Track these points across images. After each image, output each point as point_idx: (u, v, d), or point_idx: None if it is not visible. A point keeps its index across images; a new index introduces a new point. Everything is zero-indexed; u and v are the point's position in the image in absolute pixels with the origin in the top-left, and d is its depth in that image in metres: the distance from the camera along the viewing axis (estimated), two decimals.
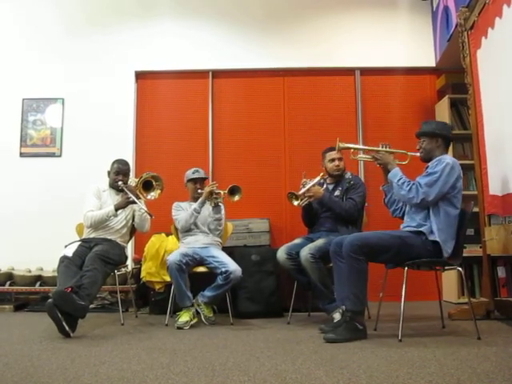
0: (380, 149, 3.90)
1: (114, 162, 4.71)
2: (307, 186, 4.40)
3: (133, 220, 4.72)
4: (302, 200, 4.43)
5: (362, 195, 4.52)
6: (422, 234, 3.58)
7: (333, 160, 4.57)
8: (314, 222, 4.62)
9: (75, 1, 6.35)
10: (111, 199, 4.61)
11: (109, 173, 4.72)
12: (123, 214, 4.62)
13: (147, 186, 4.45)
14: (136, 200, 4.40)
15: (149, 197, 4.46)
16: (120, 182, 4.53)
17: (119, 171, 4.63)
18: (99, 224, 4.51)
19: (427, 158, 3.80)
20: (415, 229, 3.62)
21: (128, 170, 4.71)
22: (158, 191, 4.46)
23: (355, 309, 3.53)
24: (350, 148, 4.12)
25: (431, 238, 3.54)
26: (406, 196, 3.63)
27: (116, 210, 4.45)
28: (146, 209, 4.48)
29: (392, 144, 5.96)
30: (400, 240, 3.55)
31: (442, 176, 3.55)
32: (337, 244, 3.84)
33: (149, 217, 4.56)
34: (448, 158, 3.65)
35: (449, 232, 3.57)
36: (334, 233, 4.33)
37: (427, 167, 3.75)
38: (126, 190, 4.45)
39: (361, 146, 4.05)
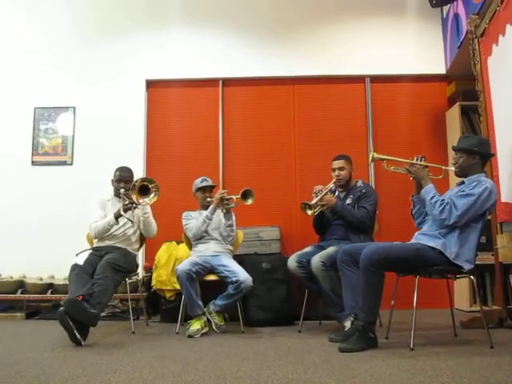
0: (415, 162, 3.82)
1: (116, 170, 4.70)
2: (320, 196, 4.38)
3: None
4: (315, 209, 4.42)
5: (374, 203, 4.50)
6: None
7: (333, 170, 4.58)
8: (326, 229, 4.61)
9: (87, 10, 6.40)
10: (115, 208, 4.59)
11: (112, 181, 4.73)
12: (129, 224, 4.63)
13: (144, 191, 4.40)
14: (123, 206, 4.37)
15: (147, 200, 4.39)
16: (121, 190, 4.51)
17: (121, 179, 4.62)
18: (103, 233, 4.52)
19: (462, 174, 3.74)
20: (429, 240, 3.58)
21: (130, 176, 4.66)
22: (156, 196, 4.39)
23: (369, 320, 3.52)
24: (384, 159, 4.06)
25: (447, 254, 3.49)
26: (437, 216, 3.54)
27: (116, 218, 4.43)
28: (129, 217, 4.40)
29: (402, 150, 5.98)
30: (416, 252, 3.52)
31: (478, 200, 3.47)
32: (344, 252, 3.85)
33: (153, 221, 4.64)
34: (488, 182, 3.55)
35: (471, 252, 3.54)
36: (346, 241, 4.33)
37: (462, 182, 3.71)
38: (123, 197, 4.44)
39: (396, 158, 3.98)
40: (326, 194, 4.41)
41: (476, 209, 3.48)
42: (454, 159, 3.78)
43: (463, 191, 3.58)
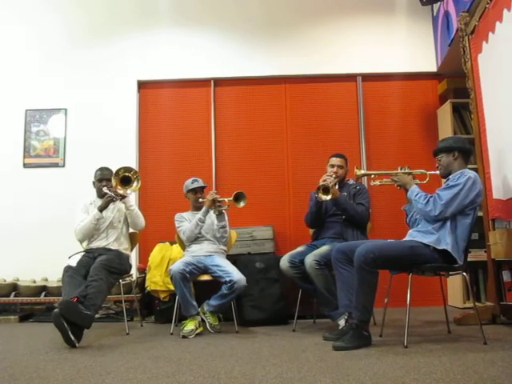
0: (398, 171, 3.89)
1: (96, 171, 4.71)
2: (334, 181, 4.34)
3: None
4: (329, 193, 4.32)
5: (369, 200, 4.52)
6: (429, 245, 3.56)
7: (332, 166, 4.56)
8: (318, 223, 4.61)
9: (78, 12, 6.38)
10: None
11: (94, 183, 4.73)
12: (116, 220, 4.64)
13: (126, 181, 4.42)
14: (106, 198, 4.44)
15: (129, 191, 4.42)
16: (104, 188, 4.51)
17: (102, 178, 4.63)
18: (90, 231, 4.51)
19: (446, 174, 3.78)
20: (423, 237, 3.59)
21: (110, 174, 4.61)
22: (138, 182, 4.42)
23: (363, 318, 3.52)
24: (368, 175, 4.13)
25: (443, 246, 3.51)
26: (423, 209, 3.59)
27: (100, 210, 4.45)
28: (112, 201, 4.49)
29: (394, 148, 6.01)
30: (411, 250, 3.53)
31: (463, 189, 3.51)
32: (338, 251, 3.86)
33: (140, 213, 4.64)
34: (470, 173, 3.60)
35: (463, 245, 3.57)
36: (339, 239, 4.33)
37: (447, 179, 3.73)
38: (107, 191, 4.45)
39: (379, 172, 4.07)
40: (335, 184, 4.38)
41: (461, 198, 3.51)
42: (436, 163, 3.85)
43: (447, 184, 3.62)
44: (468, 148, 3.81)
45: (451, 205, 3.51)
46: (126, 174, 4.41)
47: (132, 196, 4.66)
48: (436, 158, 3.83)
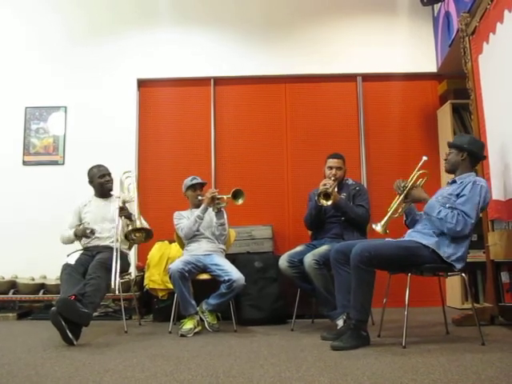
0: (405, 191, 3.74)
1: (92, 169, 4.72)
2: (334, 186, 4.31)
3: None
4: (330, 198, 4.25)
5: (369, 202, 4.51)
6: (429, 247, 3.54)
7: (330, 168, 4.53)
8: (318, 225, 4.60)
9: (78, 10, 6.38)
10: (97, 208, 4.63)
11: (90, 182, 4.73)
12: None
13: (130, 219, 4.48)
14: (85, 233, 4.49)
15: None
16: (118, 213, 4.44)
17: (104, 173, 4.67)
18: (67, 243, 4.58)
19: (450, 170, 3.79)
20: (423, 238, 3.59)
21: (107, 169, 4.72)
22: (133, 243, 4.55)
23: (361, 318, 3.51)
24: (387, 222, 3.79)
25: (441, 253, 3.49)
26: (453, 229, 3.47)
27: (75, 235, 4.53)
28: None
29: (393, 149, 6.00)
30: (408, 251, 3.53)
31: (481, 201, 3.51)
32: (337, 251, 3.84)
33: (145, 223, 4.61)
34: (482, 181, 3.59)
35: (463, 251, 3.56)
36: (339, 239, 4.32)
37: (453, 181, 3.73)
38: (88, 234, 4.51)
39: (392, 209, 3.85)
40: (334, 187, 4.37)
41: (479, 208, 3.53)
42: (445, 155, 3.84)
43: (464, 195, 3.55)
44: (479, 154, 3.78)
45: (474, 219, 3.51)
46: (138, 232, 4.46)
47: (134, 204, 4.59)
48: (449, 149, 3.81)
